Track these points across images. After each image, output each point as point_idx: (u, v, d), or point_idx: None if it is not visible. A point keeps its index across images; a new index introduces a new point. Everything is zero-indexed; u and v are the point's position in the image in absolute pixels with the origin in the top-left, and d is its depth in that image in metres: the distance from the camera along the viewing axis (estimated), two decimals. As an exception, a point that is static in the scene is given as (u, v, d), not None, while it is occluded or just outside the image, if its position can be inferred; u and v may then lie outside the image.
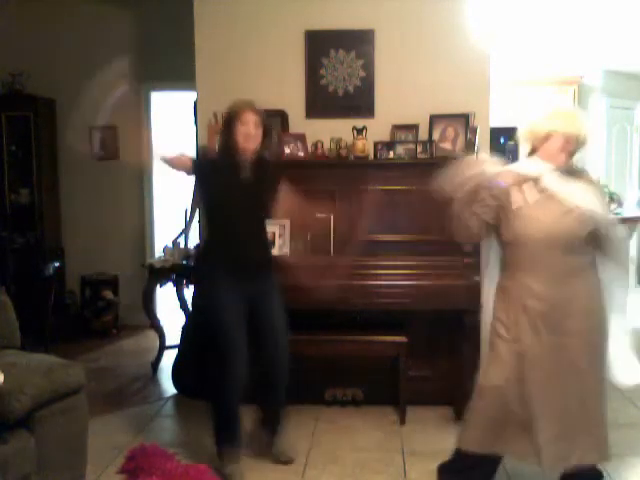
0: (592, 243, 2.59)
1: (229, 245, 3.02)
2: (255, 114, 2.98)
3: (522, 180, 2.60)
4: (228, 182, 3.00)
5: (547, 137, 2.57)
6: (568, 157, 2.59)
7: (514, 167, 2.69)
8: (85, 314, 5.86)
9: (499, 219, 2.64)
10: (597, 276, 2.63)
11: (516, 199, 2.58)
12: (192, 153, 3.26)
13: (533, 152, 2.65)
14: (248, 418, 3.33)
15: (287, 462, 3.22)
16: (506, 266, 2.69)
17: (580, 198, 2.54)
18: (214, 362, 3.09)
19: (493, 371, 2.65)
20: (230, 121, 2.99)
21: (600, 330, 2.62)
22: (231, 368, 3.01)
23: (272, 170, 3.17)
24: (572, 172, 2.63)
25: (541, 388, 2.58)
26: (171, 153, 3.01)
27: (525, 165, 2.66)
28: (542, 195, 2.57)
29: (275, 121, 4.19)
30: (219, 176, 3.01)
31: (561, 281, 2.56)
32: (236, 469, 3.11)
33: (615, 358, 2.63)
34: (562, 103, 2.62)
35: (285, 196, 3.16)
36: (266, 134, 3.07)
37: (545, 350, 2.58)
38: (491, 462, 2.74)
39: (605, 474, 3.04)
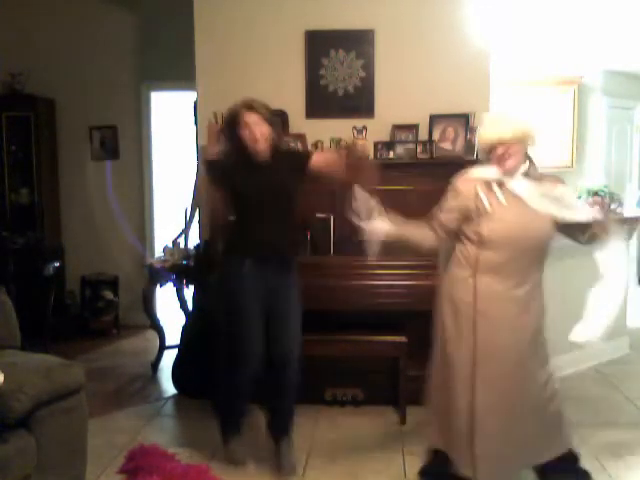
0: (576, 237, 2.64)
1: (253, 240, 2.96)
2: (254, 113, 2.90)
3: (486, 183, 2.61)
4: (248, 181, 2.92)
5: (490, 148, 2.59)
6: (514, 161, 2.56)
7: (476, 171, 2.70)
8: (85, 314, 5.86)
9: (464, 220, 2.66)
10: (542, 294, 2.66)
11: (486, 199, 2.59)
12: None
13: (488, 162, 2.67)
14: (256, 422, 3.32)
15: (289, 475, 3.09)
16: (460, 265, 2.68)
17: (540, 203, 2.55)
18: (227, 354, 3.07)
19: (455, 384, 2.66)
20: (232, 125, 2.92)
21: (540, 332, 2.66)
22: (245, 360, 3.01)
23: (294, 155, 3.07)
24: (535, 175, 2.62)
25: (489, 391, 2.59)
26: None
27: (483, 171, 2.67)
28: (509, 198, 2.58)
29: (275, 121, 4.19)
30: (238, 175, 2.93)
31: (517, 286, 2.58)
32: (238, 448, 3.20)
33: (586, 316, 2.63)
34: (497, 109, 2.65)
35: (322, 160, 3.03)
36: (273, 127, 2.97)
37: (496, 350, 2.60)
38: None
39: (605, 474, 3.05)
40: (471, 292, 2.63)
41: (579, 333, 2.61)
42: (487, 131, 2.60)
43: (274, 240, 2.97)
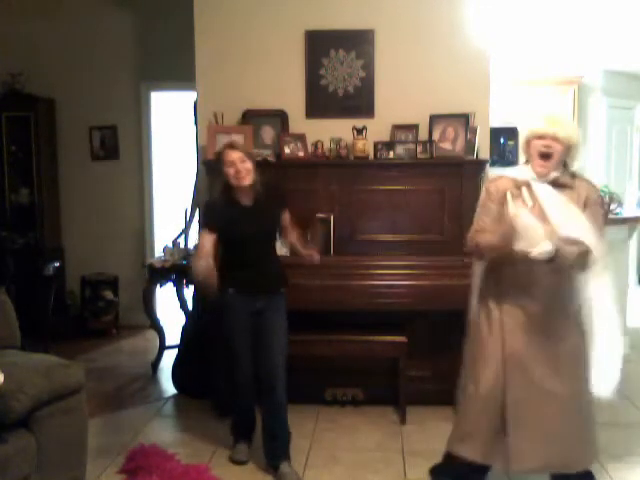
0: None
1: (241, 273, 3.11)
2: (237, 150, 3.05)
3: (516, 185, 2.61)
4: (233, 219, 3.08)
5: (528, 143, 2.60)
6: (547, 170, 2.56)
7: (508, 172, 2.70)
8: (85, 314, 5.86)
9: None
10: (577, 290, 2.63)
11: (514, 205, 2.57)
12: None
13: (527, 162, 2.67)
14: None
15: None
16: (494, 268, 2.69)
17: (558, 215, 2.53)
18: (224, 371, 3.30)
19: (483, 374, 2.67)
20: (219, 166, 3.08)
21: (580, 337, 2.64)
22: (238, 379, 3.20)
23: (275, 198, 3.21)
24: (565, 182, 2.60)
25: (521, 392, 2.60)
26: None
27: (517, 171, 2.68)
28: (534, 202, 2.57)
29: (275, 121, 4.20)
30: (225, 216, 3.10)
31: (547, 290, 2.59)
32: (242, 448, 3.30)
33: (597, 365, 2.61)
34: (551, 110, 2.70)
35: (288, 229, 3.28)
36: (256, 166, 3.11)
37: (529, 352, 2.60)
38: (483, 468, 2.76)
39: (605, 474, 3.05)
40: (497, 292, 2.66)
41: (602, 389, 2.62)
42: (540, 123, 2.57)
43: (260, 280, 3.14)
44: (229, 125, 4.19)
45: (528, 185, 2.60)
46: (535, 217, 2.51)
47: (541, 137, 2.55)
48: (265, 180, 3.14)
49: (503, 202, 2.60)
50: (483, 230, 2.67)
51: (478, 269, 2.80)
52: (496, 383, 2.63)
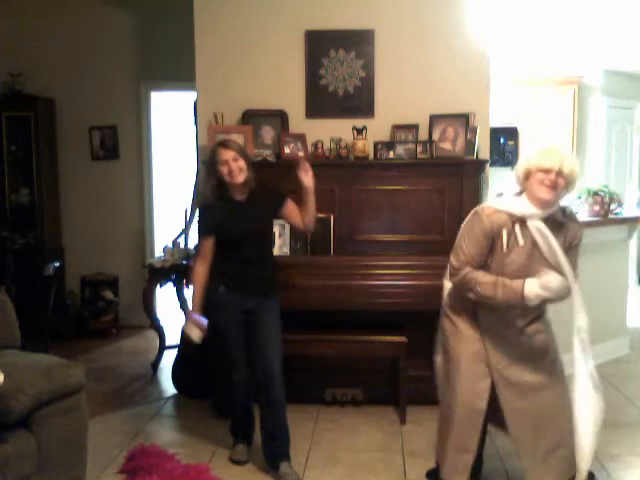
0: None
1: (232, 271, 3.11)
2: (230, 149, 3.05)
3: (512, 221, 2.57)
4: (228, 215, 3.10)
5: (527, 175, 2.55)
6: (552, 198, 2.52)
7: (503, 204, 2.64)
8: (85, 314, 5.86)
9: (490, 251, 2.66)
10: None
11: (506, 240, 2.57)
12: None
13: (521, 193, 2.62)
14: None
15: None
16: None
17: (551, 256, 2.54)
18: (222, 371, 3.32)
19: (460, 387, 2.73)
20: (212, 164, 3.09)
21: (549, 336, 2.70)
22: (235, 378, 3.21)
23: (272, 196, 3.21)
24: (558, 220, 2.59)
25: (517, 400, 2.65)
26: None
27: (512, 203, 2.61)
28: (527, 238, 2.56)
29: (275, 121, 4.20)
30: (220, 214, 3.11)
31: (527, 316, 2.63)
32: (241, 448, 3.31)
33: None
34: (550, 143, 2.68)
35: (294, 210, 3.23)
36: (249, 164, 3.11)
37: (513, 366, 2.65)
38: (473, 472, 2.77)
39: (605, 474, 3.05)
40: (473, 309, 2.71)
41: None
42: (545, 158, 2.51)
43: (251, 282, 3.14)
44: (229, 125, 4.19)
45: (522, 222, 2.56)
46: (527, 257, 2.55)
47: (546, 171, 2.50)
48: (260, 179, 3.14)
49: (497, 238, 2.57)
50: (472, 261, 2.61)
51: (448, 284, 2.79)
52: (474, 396, 2.69)
